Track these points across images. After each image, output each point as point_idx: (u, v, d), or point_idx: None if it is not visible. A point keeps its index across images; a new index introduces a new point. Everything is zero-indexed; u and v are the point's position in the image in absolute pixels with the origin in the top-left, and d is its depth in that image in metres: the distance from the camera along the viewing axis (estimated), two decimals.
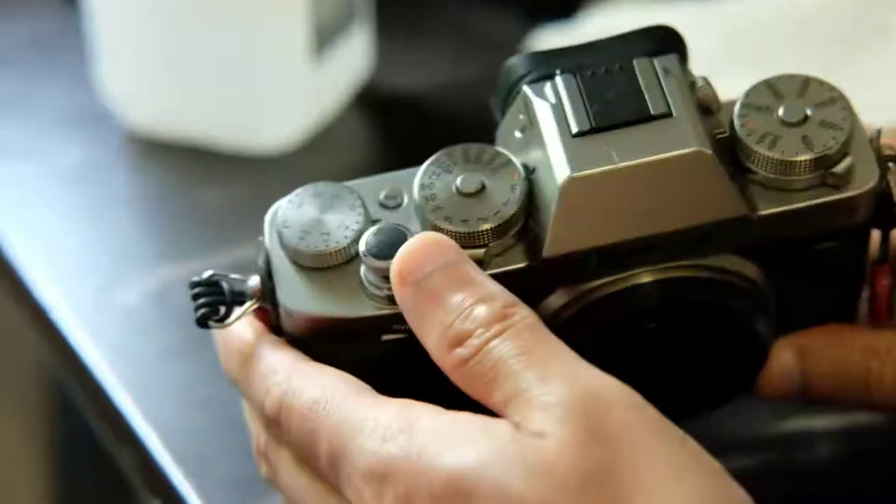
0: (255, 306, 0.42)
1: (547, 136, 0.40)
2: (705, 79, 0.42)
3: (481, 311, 0.37)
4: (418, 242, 0.39)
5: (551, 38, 0.82)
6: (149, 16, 0.73)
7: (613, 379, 0.37)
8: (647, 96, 0.40)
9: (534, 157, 0.41)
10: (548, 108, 0.40)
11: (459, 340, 0.37)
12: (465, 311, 0.38)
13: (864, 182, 0.41)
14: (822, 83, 0.42)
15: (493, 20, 0.90)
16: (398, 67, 0.84)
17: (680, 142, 0.40)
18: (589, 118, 0.40)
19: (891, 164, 0.42)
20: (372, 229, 0.41)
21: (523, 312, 0.38)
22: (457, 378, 0.37)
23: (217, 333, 0.43)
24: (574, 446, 0.35)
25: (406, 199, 0.42)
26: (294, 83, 0.73)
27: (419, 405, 0.37)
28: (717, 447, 0.51)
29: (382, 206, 0.42)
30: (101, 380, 0.56)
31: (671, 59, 0.42)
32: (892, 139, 0.43)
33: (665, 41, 0.43)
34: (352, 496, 0.37)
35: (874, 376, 0.45)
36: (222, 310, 0.42)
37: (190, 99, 0.74)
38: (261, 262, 0.42)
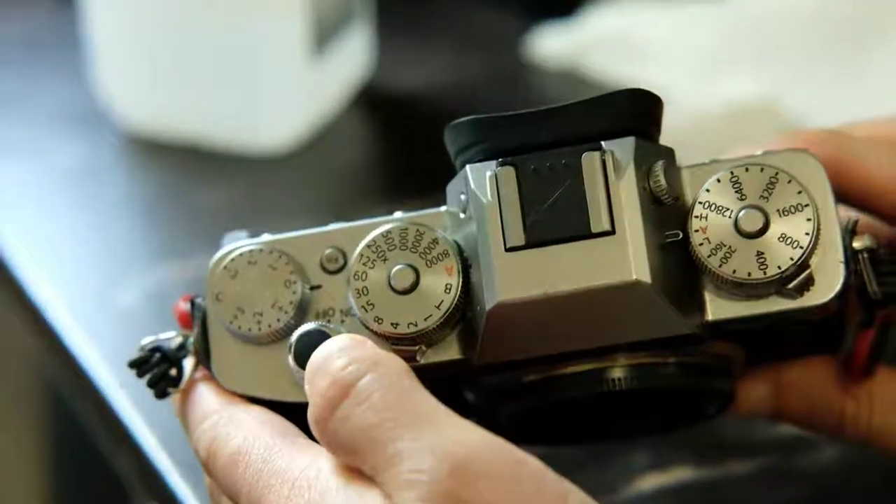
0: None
1: (481, 243, 0.38)
2: (666, 157, 0.39)
3: (337, 370, 0.36)
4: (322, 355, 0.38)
5: (551, 36, 0.82)
6: (146, 15, 0.73)
7: (487, 438, 0.35)
8: (589, 208, 0.37)
9: (470, 250, 0.39)
10: (484, 208, 0.38)
11: (319, 410, 0.36)
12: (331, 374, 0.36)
13: (825, 291, 0.38)
14: (790, 181, 0.38)
15: (494, 19, 0.90)
16: (398, 66, 0.84)
17: (619, 269, 0.37)
18: (524, 231, 0.38)
19: (865, 255, 0.39)
20: (299, 332, 0.39)
21: (387, 363, 0.36)
22: (328, 449, 0.37)
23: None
24: None
25: (347, 262, 0.40)
26: (293, 82, 0.73)
27: (325, 461, 0.37)
28: (717, 451, 0.51)
29: (323, 269, 0.40)
30: (98, 381, 0.56)
31: (626, 147, 0.38)
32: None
33: (631, 112, 0.39)
34: None
35: (849, 416, 0.44)
36: (174, 371, 0.42)
37: (188, 98, 0.74)
38: (197, 322, 0.41)
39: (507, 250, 0.38)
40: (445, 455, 0.34)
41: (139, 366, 0.41)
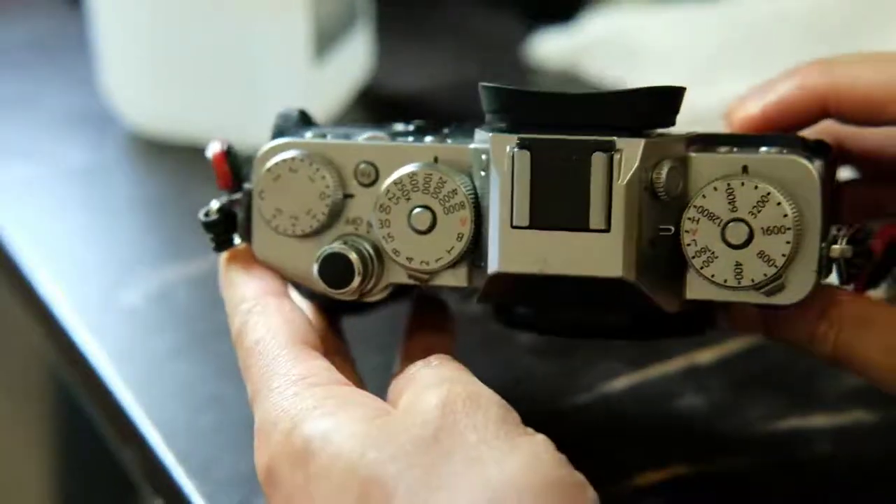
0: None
1: (490, 212, 0.42)
2: (675, 153, 0.42)
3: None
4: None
5: (550, 39, 0.82)
6: (151, 18, 0.73)
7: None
8: (591, 205, 0.41)
9: (483, 204, 0.43)
10: (497, 183, 0.42)
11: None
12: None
13: (794, 295, 0.42)
14: (779, 203, 0.41)
15: (493, 23, 0.91)
16: (399, 69, 0.84)
17: (608, 264, 0.41)
18: (530, 214, 0.41)
19: (842, 261, 0.43)
20: (326, 251, 0.44)
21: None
22: None
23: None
24: (416, 414, 0.38)
25: (378, 178, 0.44)
26: (295, 85, 0.73)
27: (329, 373, 0.41)
28: (712, 447, 0.51)
29: (358, 181, 0.44)
30: (105, 379, 0.56)
31: (636, 148, 0.41)
32: None
33: (648, 111, 0.42)
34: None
35: (819, 334, 0.45)
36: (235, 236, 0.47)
37: (192, 101, 0.74)
38: (244, 204, 0.46)
39: (512, 227, 0.41)
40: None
41: (210, 227, 0.46)
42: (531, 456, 0.37)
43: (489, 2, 0.94)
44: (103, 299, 0.62)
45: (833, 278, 0.44)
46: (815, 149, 0.44)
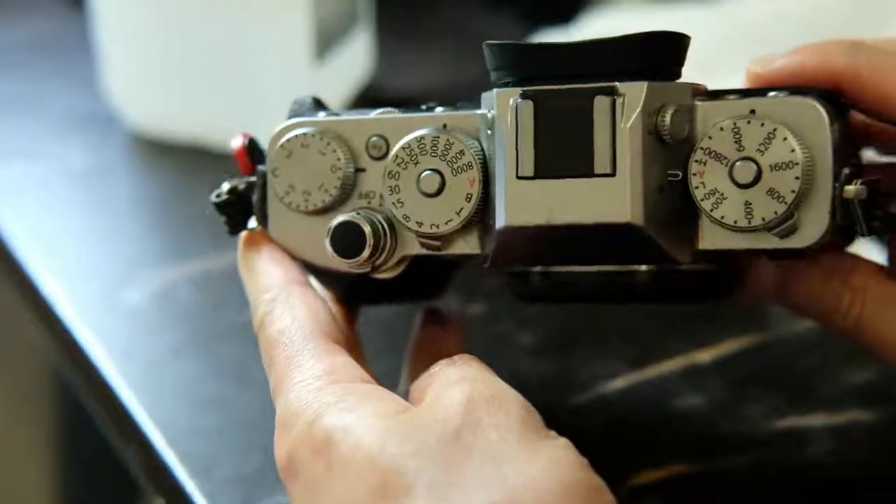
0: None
1: (497, 166, 0.42)
2: (679, 98, 0.41)
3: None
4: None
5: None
6: (153, 19, 0.74)
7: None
8: (594, 150, 0.40)
9: (491, 165, 0.42)
10: (503, 137, 0.41)
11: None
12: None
13: (807, 238, 0.41)
14: (786, 139, 0.40)
15: (493, 24, 0.91)
16: (399, 69, 0.84)
17: (614, 209, 0.40)
18: (535, 163, 0.41)
19: (857, 203, 0.41)
20: (338, 220, 0.44)
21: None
22: None
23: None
24: (442, 410, 0.38)
25: (389, 150, 0.44)
26: (296, 85, 0.73)
27: (352, 370, 0.41)
28: (711, 446, 0.52)
29: (370, 154, 0.45)
30: (107, 379, 0.57)
31: (638, 91, 0.41)
32: None
33: (650, 55, 0.41)
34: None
35: (842, 308, 0.45)
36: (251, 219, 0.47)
37: (193, 101, 0.75)
38: (258, 185, 0.46)
39: (518, 178, 0.41)
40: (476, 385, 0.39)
41: (222, 208, 0.46)
42: (551, 458, 0.37)
43: (489, 2, 0.94)
44: (105, 299, 0.63)
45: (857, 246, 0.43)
46: (827, 97, 0.43)
